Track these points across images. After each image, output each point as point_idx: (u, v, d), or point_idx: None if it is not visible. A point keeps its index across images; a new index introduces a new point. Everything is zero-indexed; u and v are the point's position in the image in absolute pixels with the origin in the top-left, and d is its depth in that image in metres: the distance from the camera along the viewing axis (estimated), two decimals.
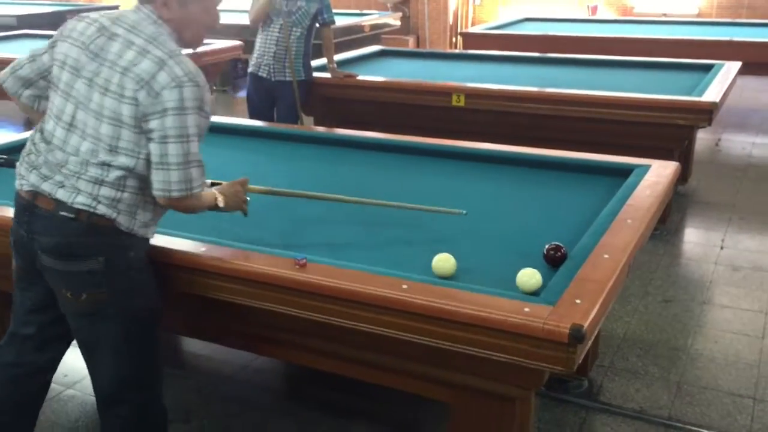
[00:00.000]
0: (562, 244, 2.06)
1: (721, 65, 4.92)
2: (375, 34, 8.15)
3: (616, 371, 2.95)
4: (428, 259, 2.04)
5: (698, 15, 9.25)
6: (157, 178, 1.92)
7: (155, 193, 1.95)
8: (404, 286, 1.85)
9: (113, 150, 1.92)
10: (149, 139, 1.91)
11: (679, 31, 6.99)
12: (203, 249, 2.11)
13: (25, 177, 2.00)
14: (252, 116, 4.65)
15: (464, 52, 6.59)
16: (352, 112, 4.77)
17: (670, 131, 4.00)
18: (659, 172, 2.70)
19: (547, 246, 2.07)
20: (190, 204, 2.02)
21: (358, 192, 2.61)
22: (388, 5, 10.24)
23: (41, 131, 2.04)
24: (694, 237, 4.38)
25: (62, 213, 1.92)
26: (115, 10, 2.06)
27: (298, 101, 4.52)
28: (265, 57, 4.53)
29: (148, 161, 1.93)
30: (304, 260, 1.99)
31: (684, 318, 3.35)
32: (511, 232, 2.40)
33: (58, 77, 1.99)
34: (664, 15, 9.06)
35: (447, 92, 4.42)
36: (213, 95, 6.36)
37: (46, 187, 1.94)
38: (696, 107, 3.94)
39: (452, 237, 2.36)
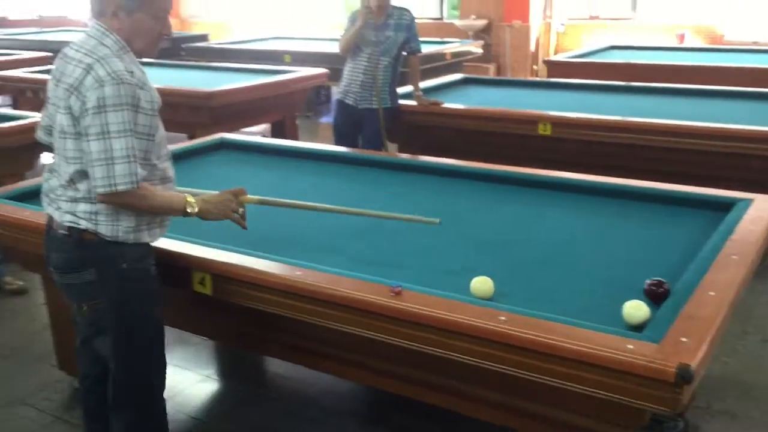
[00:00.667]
0: (664, 280, 2.00)
1: None
2: (456, 61, 8.18)
3: (713, 413, 2.82)
4: (518, 288, 2.02)
5: None
6: (90, 176, 2.01)
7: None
8: (502, 318, 1.83)
9: (68, 162, 2.05)
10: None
11: None
12: (298, 273, 2.14)
13: (43, 204, 2.22)
14: (337, 142, 4.71)
15: (548, 80, 6.53)
16: (436, 140, 4.77)
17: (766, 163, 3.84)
18: (763, 206, 2.59)
19: (648, 281, 2.01)
20: (130, 202, 2.03)
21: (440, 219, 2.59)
22: (470, 33, 10.27)
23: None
24: None
25: (60, 232, 2.11)
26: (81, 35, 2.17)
27: (383, 128, 4.56)
28: (353, 85, 4.60)
29: None
30: (399, 288, 1.99)
31: None
32: (606, 265, 2.34)
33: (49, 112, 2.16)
34: (755, 43, 8.76)
35: (533, 121, 4.37)
36: (297, 120, 6.48)
37: (49, 210, 2.17)
38: None
39: (545, 268, 2.32)
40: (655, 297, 1.97)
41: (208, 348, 3.45)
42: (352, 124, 4.68)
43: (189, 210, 2.14)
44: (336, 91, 4.81)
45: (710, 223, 2.54)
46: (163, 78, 6.44)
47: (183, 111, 5.64)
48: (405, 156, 4.13)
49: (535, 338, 1.74)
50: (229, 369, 3.36)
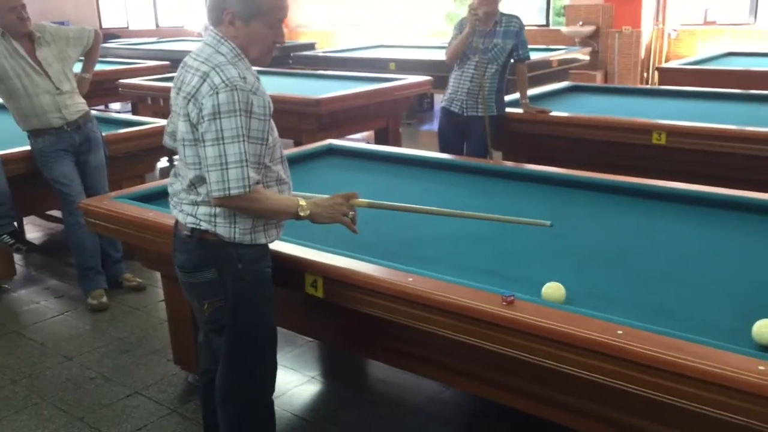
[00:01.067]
0: None
1: None
2: (562, 69, 8.03)
3: None
4: (634, 302, 1.95)
5: None
6: (206, 181, 2.07)
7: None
8: (619, 332, 1.78)
9: (188, 167, 2.13)
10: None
11: None
12: (410, 279, 2.14)
13: (170, 207, 2.31)
14: (443, 149, 4.71)
15: (659, 87, 6.29)
16: (542, 148, 4.69)
17: None
18: None
19: None
20: (243, 205, 2.08)
21: (551, 230, 2.54)
22: (576, 40, 10.06)
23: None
24: None
25: (184, 233, 2.20)
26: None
27: (489, 136, 4.53)
28: (459, 93, 4.59)
29: None
30: (512, 297, 1.97)
31: None
32: (730, 281, 2.23)
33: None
34: None
35: (647, 130, 4.23)
36: (401, 126, 6.52)
37: (174, 213, 2.26)
38: None
39: (663, 282, 2.24)
40: None
41: (314, 349, 3.52)
42: (457, 132, 4.66)
43: (301, 213, 2.17)
44: (441, 99, 4.81)
45: None
46: (272, 85, 6.63)
47: (291, 117, 5.78)
48: (511, 164, 4.09)
49: (655, 354, 1.67)
50: (334, 371, 3.41)
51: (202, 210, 2.15)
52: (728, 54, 7.61)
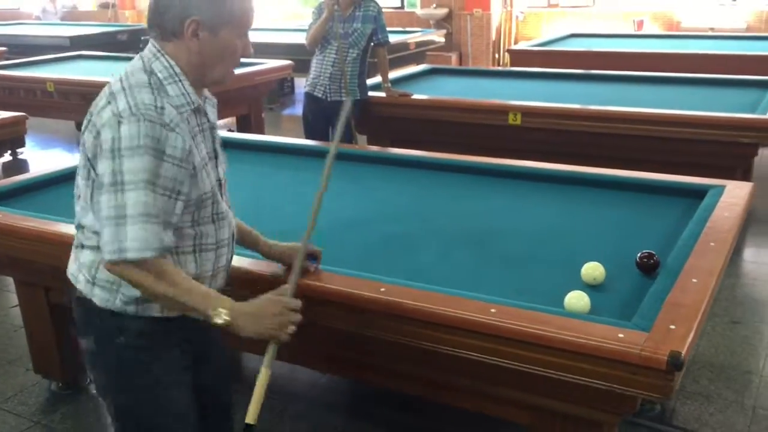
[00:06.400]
0: (653, 252, 2.16)
1: None
2: (420, 51, 8.19)
3: (688, 395, 2.90)
4: (496, 282, 2.04)
5: (747, 29, 9.12)
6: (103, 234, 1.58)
7: None
8: (492, 310, 1.85)
9: (77, 199, 1.73)
10: None
11: (728, 46, 6.90)
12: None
13: None
14: (308, 135, 4.70)
15: (513, 69, 6.58)
16: (406, 131, 4.79)
17: (733, 149, 3.94)
18: (735, 193, 2.66)
19: (639, 254, 2.16)
20: (140, 280, 1.57)
21: (417, 212, 2.63)
22: (431, 22, 10.29)
23: None
24: (758, 256, 4.31)
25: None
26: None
27: (352, 121, 4.55)
28: (322, 78, 4.58)
29: None
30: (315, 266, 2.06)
31: (754, 340, 3.29)
32: (583, 255, 2.36)
33: None
34: (712, 30, 8.95)
35: (504, 111, 4.41)
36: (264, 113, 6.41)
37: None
38: (763, 125, 3.87)
39: (524, 260, 2.35)
40: (647, 268, 2.12)
41: None
42: (322, 117, 4.66)
43: (217, 320, 1.62)
44: (304, 84, 4.78)
45: (686, 210, 2.60)
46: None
47: None
48: (375, 148, 4.14)
49: (526, 329, 1.76)
50: None
51: (86, 257, 1.72)
52: (571, 35, 8.05)
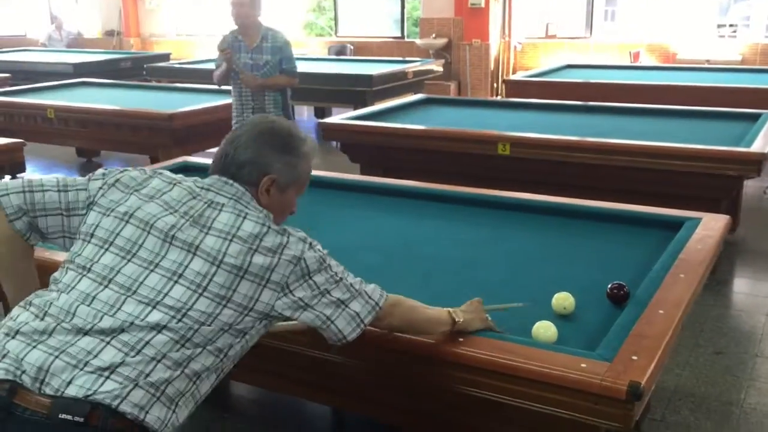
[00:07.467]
0: (624, 283, 2.21)
1: None
2: (418, 80, 8.30)
3: (668, 425, 2.91)
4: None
5: (742, 62, 9.22)
6: (339, 326, 1.70)
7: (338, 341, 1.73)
8: (460, 339, 1.89)
9: (165, 311, 1.55)
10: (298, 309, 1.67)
11: (723, 78, 6.97)
12: None
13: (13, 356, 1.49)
14: None
15: (508, 100, 6.68)
16: (396, 161, 4.85)
17: (718, 181, 3.99)
18: (710, 226, 2.70)
19: (610, 285, 2.20)
20: (391, 323, 1.85)
21: (402, 241, 2.66)
22: (430, 52, 10.42)
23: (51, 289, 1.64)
24: (744, 287, 4.33)
25: (62, 416, 1.40)
26: (196, 179, 1.80)
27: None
28: (245, 113, 4.78)
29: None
30: None
31: (736, 371, 3.31)
32: (558, 285, 2.40)
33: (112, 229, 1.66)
34: (707, 62, 9.05)
35: (493, 141, 4.47)
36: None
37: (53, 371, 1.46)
38: (745, 158, 3.92)
39: (499, 289, 2.39)
40: (617, 299, 2.16)
41: None
42: None
43: (458, 319, 1.93)
44: (233, 122, 4.93)
45: (661, 242, 2.64)
46: (124, 99, 6.43)
47: (144, 132, 5.64)
48: (365, 178, 4.20)
49: (491, 359, 1.80)
50: None
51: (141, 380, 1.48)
52: (567, 66, 8.15)
